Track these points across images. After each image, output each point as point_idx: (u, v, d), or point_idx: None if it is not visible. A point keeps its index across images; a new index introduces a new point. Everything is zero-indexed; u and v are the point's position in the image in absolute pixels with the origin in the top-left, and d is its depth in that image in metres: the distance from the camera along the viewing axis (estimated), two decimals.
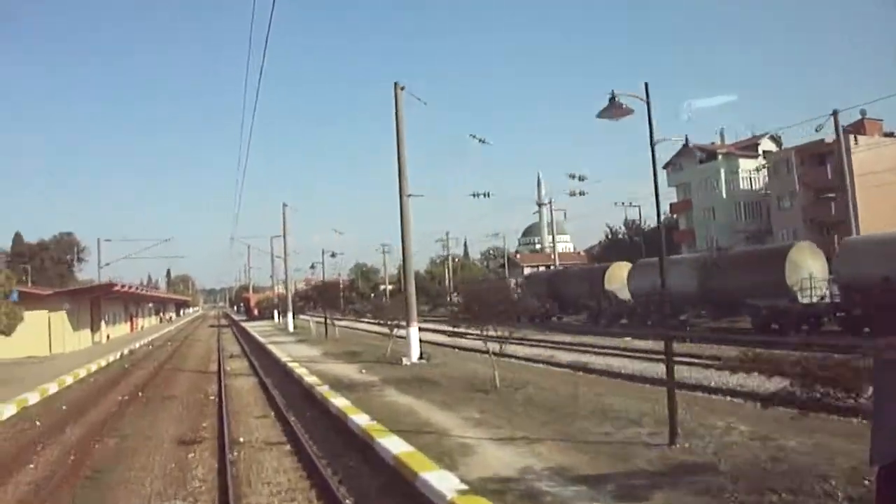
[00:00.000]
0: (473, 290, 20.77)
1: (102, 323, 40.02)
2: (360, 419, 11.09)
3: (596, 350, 24.15)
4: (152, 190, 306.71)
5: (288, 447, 11.05)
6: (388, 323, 21.58)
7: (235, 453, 10.64)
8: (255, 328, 49.04)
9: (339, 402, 13.23)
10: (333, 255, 32.82)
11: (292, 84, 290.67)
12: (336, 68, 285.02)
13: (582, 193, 50.86)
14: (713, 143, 67.77)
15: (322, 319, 38.18)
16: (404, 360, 19.88)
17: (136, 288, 48.94)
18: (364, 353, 23.68)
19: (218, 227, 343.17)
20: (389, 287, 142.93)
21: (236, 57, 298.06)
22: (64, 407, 16.92)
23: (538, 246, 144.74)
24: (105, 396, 18.80)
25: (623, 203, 63.94)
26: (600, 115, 9.42)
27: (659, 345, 14.58)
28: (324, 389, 15.30)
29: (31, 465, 10.62)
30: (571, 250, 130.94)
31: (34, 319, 30.04)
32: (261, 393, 18.22)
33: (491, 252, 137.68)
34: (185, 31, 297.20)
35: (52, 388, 19.41)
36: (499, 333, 14.99)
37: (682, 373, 15.82)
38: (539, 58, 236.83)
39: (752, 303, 28.02)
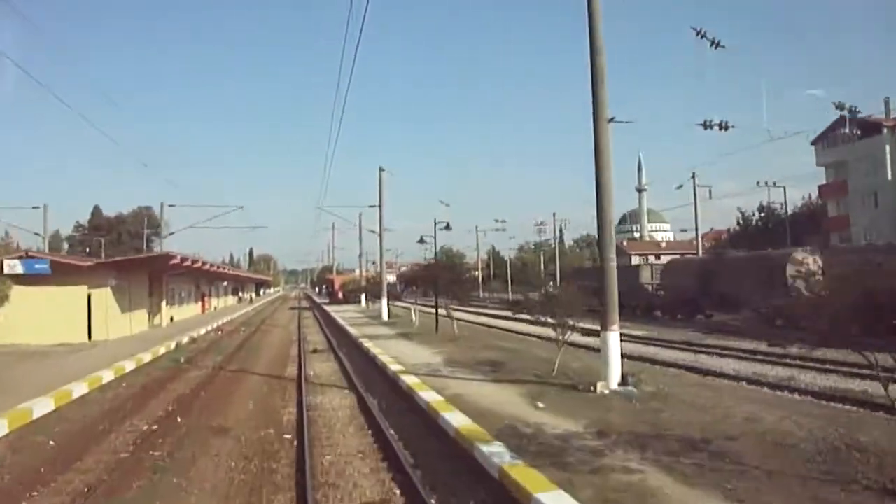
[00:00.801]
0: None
1: (163, 303, 34.07)
2: None
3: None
4: (237, 169, 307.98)
5: None
6: (561, 323, 13.64)
7: None
8: (340, 314, 42.26)
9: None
10: (448, 227, 25.02)
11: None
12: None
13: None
14: (871, 116, 56.26)
15: (425, 307, 30.79)
16: (599, 387, 11.97)
17: (210, 265, 42.97)
18: (512, 365, 15.97)
19: (303, 208, 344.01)
20: (477, 274, 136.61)
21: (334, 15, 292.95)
22: (47, 443, 9.92)
23: (636, 234, 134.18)
24: (121, 424, 11.75)
25: (765, 183, 53.47)
26: None
27: None
28: (495, 451, 7.66)
29: None
30: (671, 240, 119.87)
31: (68, 297, 23.84)
32: (367, 436, 10.73)
33: (584, 240, 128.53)
34: None
35: (43, 406, 12.48)
36: None
37: None
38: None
39: None
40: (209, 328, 34.44)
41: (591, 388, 12.05)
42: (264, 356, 23.62)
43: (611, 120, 12.63)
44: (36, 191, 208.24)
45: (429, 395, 11.83)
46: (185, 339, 26.85)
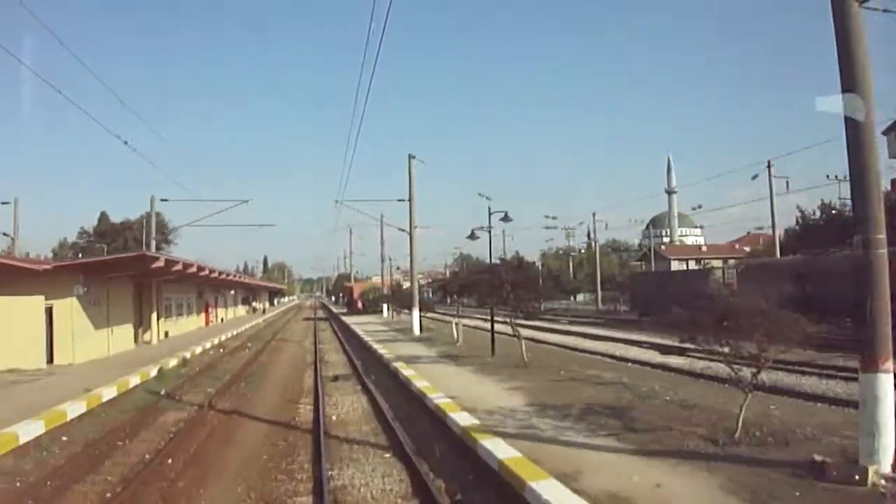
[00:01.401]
0: None
1: (154, 315, 28.72)
2: None
3: None
4: (252, 174, 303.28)
5: None
6: (757, 356, 7.94)
7: None
8: (362, 327, 36.82)
9: None
10: (507, 218, 19.37)
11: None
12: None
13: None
14: None
15: (467, 319, 25.28)
16: (871, 475, 6.40)
17: (214, 271, 37.64)
18: (645, 415, 10.33)
19: (320, 215, 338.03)
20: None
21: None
22: None
23: (666, 238, 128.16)
24: None
25: (835, 177, 47.35)
26: None
27: None
28: None
29: None
30: (702, 244, 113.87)
31: (18, 310, 18.54)
32: None
33: (608, 245, 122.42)
34: None
35: None
36: None
37: None
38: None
39: None
40: (210, 344, 29.11)
41: (855, 478, 6.49)
42: (270, 387, 18.21)
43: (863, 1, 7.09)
44: (48, 197, 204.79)
45: (555, 496, 6.33)
46: (174, 361, 21.50)
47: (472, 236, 20.78)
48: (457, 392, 12.82)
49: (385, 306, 50.40)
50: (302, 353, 27.85)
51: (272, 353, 28.48)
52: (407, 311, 42.80)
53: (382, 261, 53.34)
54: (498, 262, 17.33)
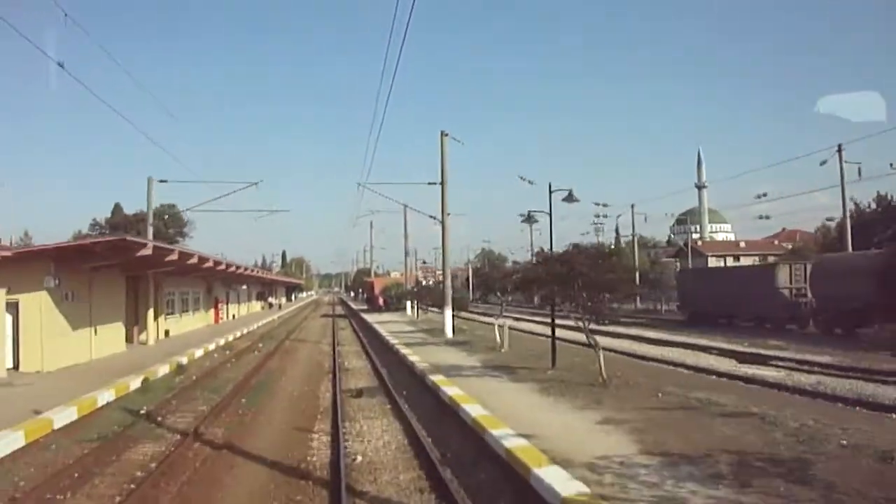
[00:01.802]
0: None
1: (150, 312, 25.17)
2: None
3: None
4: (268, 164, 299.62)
5: None
6: None
7: None
8: (385, 326, 33.29)
9: None
10: (572, 197, 15.55)
11: None
12: None
13: None
14: None
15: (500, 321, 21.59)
16: None
17: (221, 263, 34.06)
18: (845, 484, 6.54)
19: (337, 209, 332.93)
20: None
21: None
22: None
23: (695, 234, 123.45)
24: None
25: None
26: None
27: None
28: None
29: None
30: (733, 240, 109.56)
31: None
32: None
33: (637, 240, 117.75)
34: None
35: None
36: None
37: None
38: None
39: None
40: (214, 346, 25.73)
41: None
42: (277, 404, 14.73)
43: None
44: (62, 187, 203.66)
45: None
46: (165, 369, 18.10)
47: (530, 219, 17.12)
48: (529, 425, 9.18)
49: (409, 304, 46.71)
50: (318, 358, 24.40)
51: (284, 356, 25.04)
52: (436, 308, 39.28)
53: (406, 254, 49.31)
54: (572, 248, 13.54)
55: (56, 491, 8.11)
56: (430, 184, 25.36)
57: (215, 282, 39.97)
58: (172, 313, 30.66)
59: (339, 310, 74.53)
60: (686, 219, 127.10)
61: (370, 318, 43.12)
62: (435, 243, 78.68)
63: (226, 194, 28.26)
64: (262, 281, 64.74)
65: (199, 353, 22.68)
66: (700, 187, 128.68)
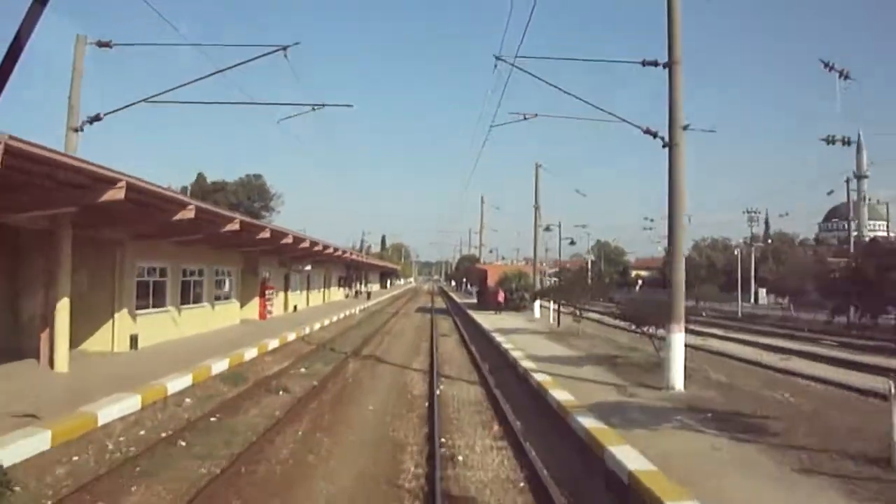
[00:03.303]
0: None
1: (116, 304, 13.53)
2: None
3: None
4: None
5: None
6: None
7: None
8: (511, 338, 20.74)
9: None
10: None
11: None
12: None
13: None
14: None
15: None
16: None
17: (250, 228, 20.88)
18: None
19: (441, 193, 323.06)
20: (644, 273, 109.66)
21: None
22: None
23: (850, 232, 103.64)
24: None
25: None
26: None
27: None
28: None
29: None
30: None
31: None
32: None
33: (778, 236, 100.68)
34: None
35: None
36: None
37: None
38: None
39: None
40: (218, 369, 14.00)
41: None
42: None
43: None
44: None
45: None
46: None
47: None
48: None
49: (537, 304, 33.42)
50: (398, 408, 12.20)
51: (336, 405, 12.88)
52: (577, 312, 26.32)
53: (538, 229, 35.28)
54: None
55: None
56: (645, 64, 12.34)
57: (260, 257, 28.13)
58: (160, 305, 18.41)
59: (440, 302, 62.44)
60: (833, 214, 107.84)
61: (484, 321, 30.30)
62: (509, 241, 63.79)
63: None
64: (346, 262, 52.41)
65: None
66: (859, 177, 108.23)
